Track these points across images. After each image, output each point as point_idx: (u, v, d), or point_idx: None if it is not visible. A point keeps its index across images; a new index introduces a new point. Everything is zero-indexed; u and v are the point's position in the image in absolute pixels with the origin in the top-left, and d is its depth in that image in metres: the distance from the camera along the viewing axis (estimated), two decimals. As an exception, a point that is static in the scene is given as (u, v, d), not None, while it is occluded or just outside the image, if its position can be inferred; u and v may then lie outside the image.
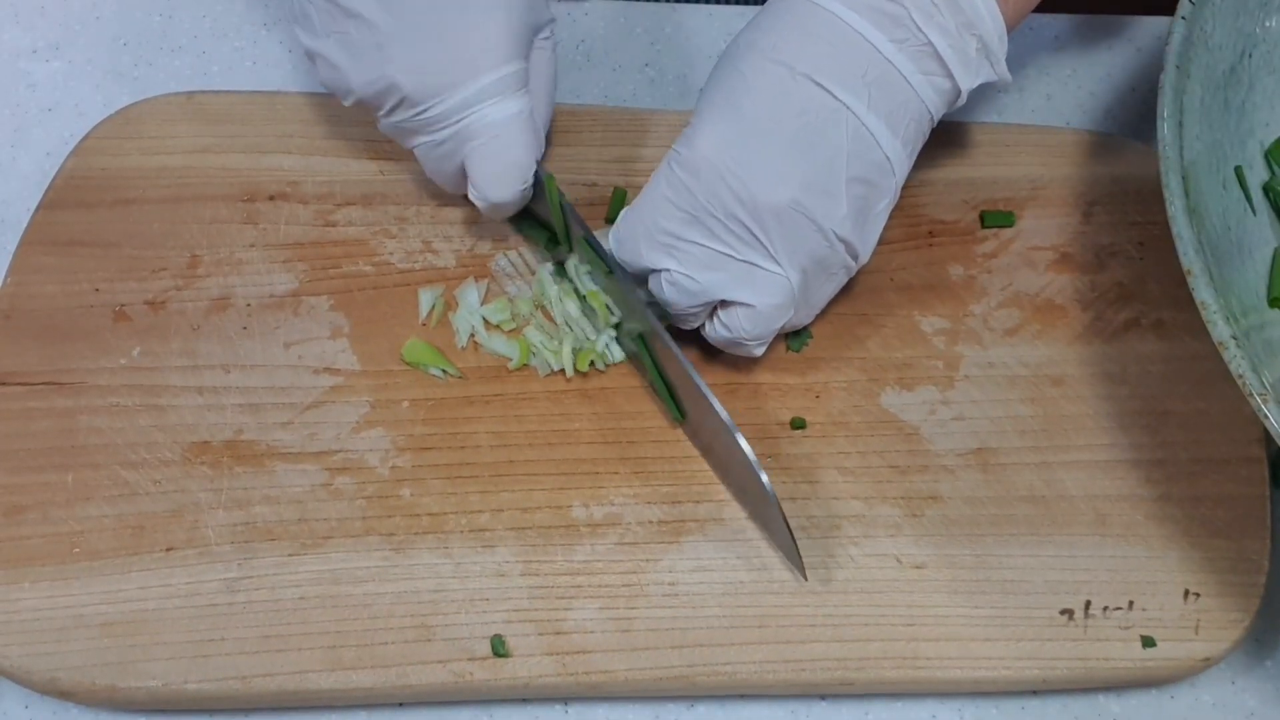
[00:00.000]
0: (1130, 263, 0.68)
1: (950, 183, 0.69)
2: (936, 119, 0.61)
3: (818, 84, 0.58)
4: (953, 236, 0.68)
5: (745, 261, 0.59)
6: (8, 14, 0.76)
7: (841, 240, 0.59)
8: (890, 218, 0.68)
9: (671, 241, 0.59)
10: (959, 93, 0.60)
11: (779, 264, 0.59)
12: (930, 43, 0.58)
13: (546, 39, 0.65)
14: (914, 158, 0.62)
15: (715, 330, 0.61)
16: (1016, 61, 0.77)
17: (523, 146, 0.62)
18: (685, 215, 0.59)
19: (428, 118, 0.61)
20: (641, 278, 0.62)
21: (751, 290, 0.59)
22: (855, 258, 0.61)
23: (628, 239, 0.61)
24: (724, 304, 0.60)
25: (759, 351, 0.62)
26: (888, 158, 0.59)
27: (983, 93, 0.76)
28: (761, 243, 0.58)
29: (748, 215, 0.58)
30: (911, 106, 0.59)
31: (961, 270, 0.68)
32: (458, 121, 0.61)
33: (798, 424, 0.64)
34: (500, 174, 0.62)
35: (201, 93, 0.70)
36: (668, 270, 0.60)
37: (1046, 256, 0.68)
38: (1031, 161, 0.70)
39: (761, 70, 0.59)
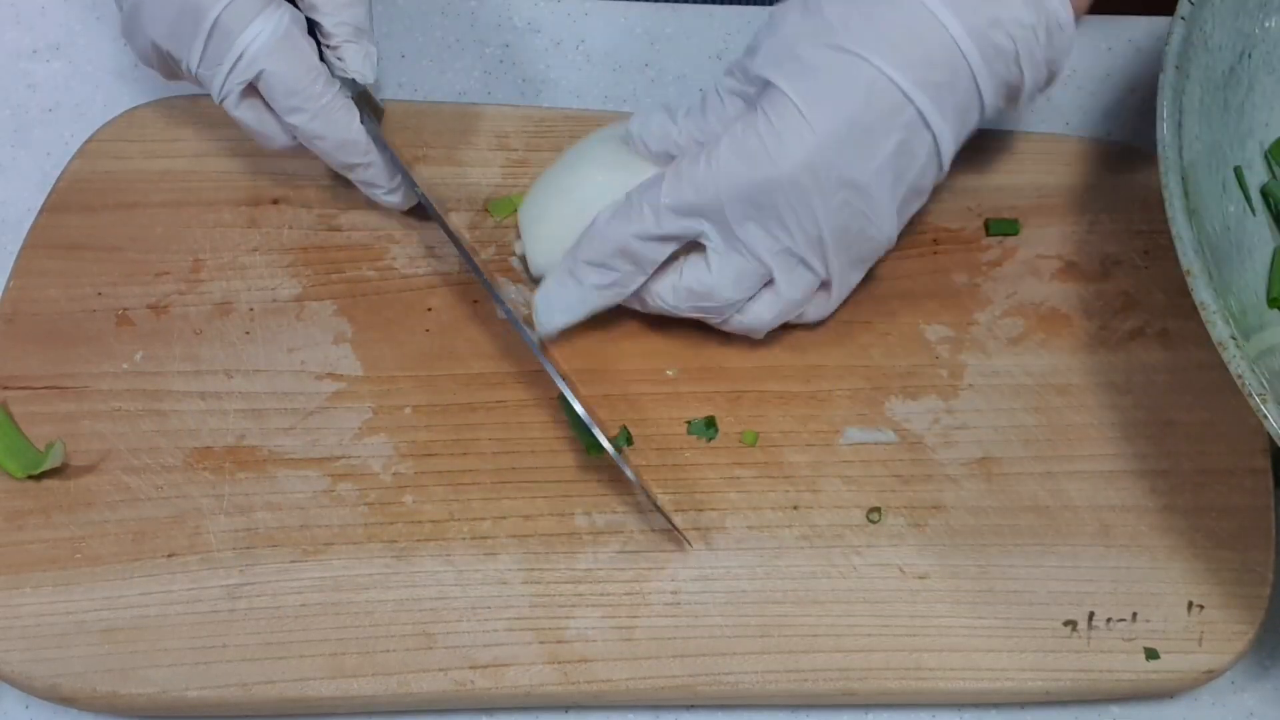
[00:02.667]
0: (1135, 271, 0.68)
1: (955, 190, 0.69)
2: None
3: (912, 103, 0.57)
4: (957, 244, 0.68)
5: (796, 259, 0.60)
6: (8, 14, 0.75)
7: (888, 240, 0.61)
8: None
9: (728, 234, 0.59)
10: (1000, 110, 0.60)
11: (823, 265, 0.60)
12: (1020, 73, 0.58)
13: None
14: None
15: (733, 320, 0.62)
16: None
17: (288, 70, 0.60)
18: (752, 210, 0.58)
19: (203, 72, 0.60)
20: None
21: (787, 284, 0.60)
22: (888, 245, 0.62)
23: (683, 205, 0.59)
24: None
25: (763, 334, 0.64)
26: (942, 168, 0.60)
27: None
28: (817, 256, 0.59)
29: (812, 238, 0.59)
30: (972, 125, 0.60)
31: (966, 278, 0.67)
32: (234, 64, 0.60)
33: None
34: (285, 97, 0.61)
35: (205, 96, 0.70)
36: (713, 252, 0.60)
37: (1051, 265, 0.68)
38: (1037, 169, 0.70)
39: (846, 68, 0.56)
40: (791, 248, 0.59)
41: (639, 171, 0.62)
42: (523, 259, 0.66)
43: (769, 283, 0.61)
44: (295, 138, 0.63)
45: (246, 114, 0.62)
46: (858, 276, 0.63)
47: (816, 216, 0.58)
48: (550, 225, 0.63)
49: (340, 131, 0.62)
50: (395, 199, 0.65)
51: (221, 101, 0.62)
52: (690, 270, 0.60)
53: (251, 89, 0.61)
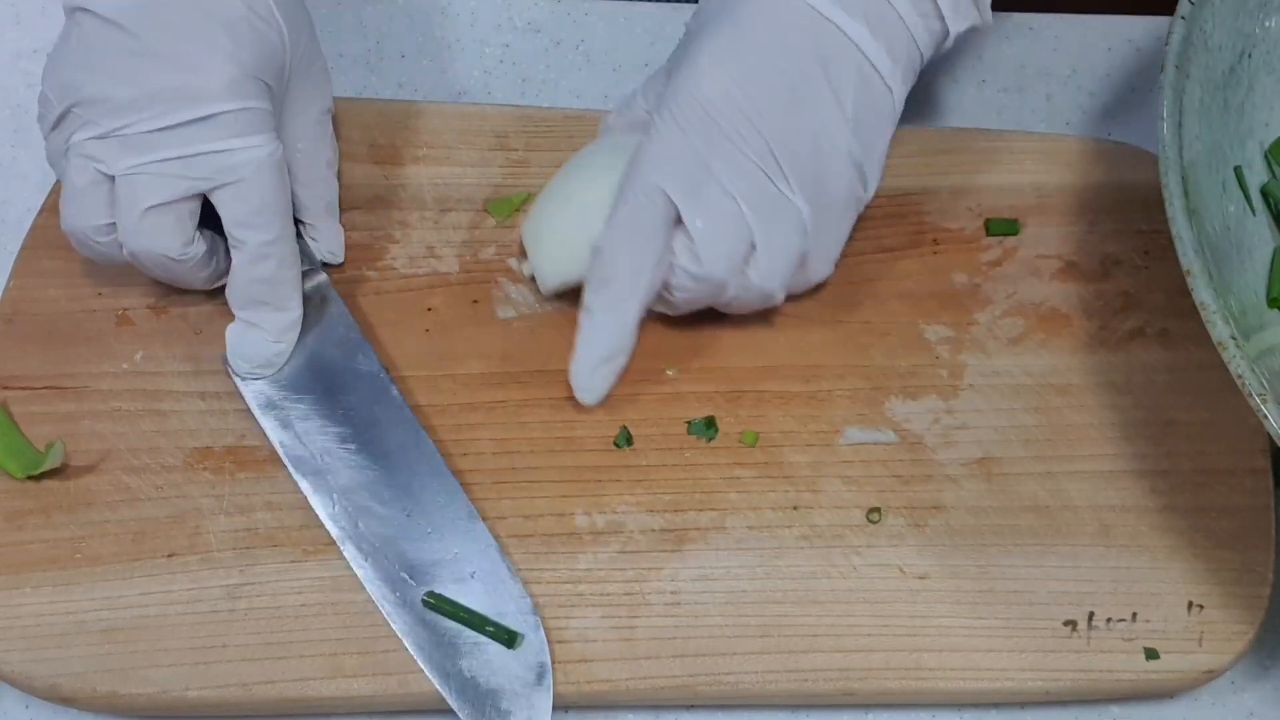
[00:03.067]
0: (1135, 271, 0.68)
1: (955, 190, 0.69)
2: (924, 61, 0.62)
3: (821, 14, 0.58)
4: (957, 244, 0.68)
5: (773, 192, 0.59)
6: (8, 14, 0.75)
7: (855, 165, 0.61)
8: (894, 225, 0.68)
9: (693, 189, 0.59)
10: (946, 35, 0.62)
11: (795, 195, 0.59)
12: None
13: (321, 114, 0.65)
14: (906, 92, 0.62)
15: (736, 288, 0.61)
16: (1016, 61, 0.77)
17: (269, 188, 0.59)
18: (699, 163, 0.59)
19: (143, 138, 0.57)
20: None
21: (772, 227, 0.60)
22: (865, 187, 0.62)
23: (642, 189, 0.59)
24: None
25: (780, 298, 0.62)
26: (889, 88, 0.61)
27: (981, 92, 0.76)
28: (783, 176, 0.59)
29: (766, 151, 0.58)
30: (904, 41, 0.60)
31: (966, 278, 0.67)
32: (193, 153, 0.58)
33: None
34: (246, 218, 0.59)
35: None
36: (695, 225, 0.59)
37: (1051, 265, 0.68)
38: (1037, 169, 0.70)
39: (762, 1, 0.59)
40: (754, 161, 0.59)
41: None
42: (532, 279, 0.66)
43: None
44: (212, 257, 0.62)
45: (160, 219, 0.58)
46: (844, 223, 0.63)
47: (759, 131, 0.58)
48: (554, 234, 0.63)
49: (288, 269, 0.62)
50: (277, 346, 0.63)
51: (141, 176, 0.58)
52: (679, 248, 0.60)
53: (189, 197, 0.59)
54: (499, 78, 0.75)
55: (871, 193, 0.63)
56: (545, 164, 0.69)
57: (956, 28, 0.62)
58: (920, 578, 0.61)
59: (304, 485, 0.61)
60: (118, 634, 0.59)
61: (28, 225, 0.67)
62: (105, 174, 0.58)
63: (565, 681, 0.59)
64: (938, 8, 0.61)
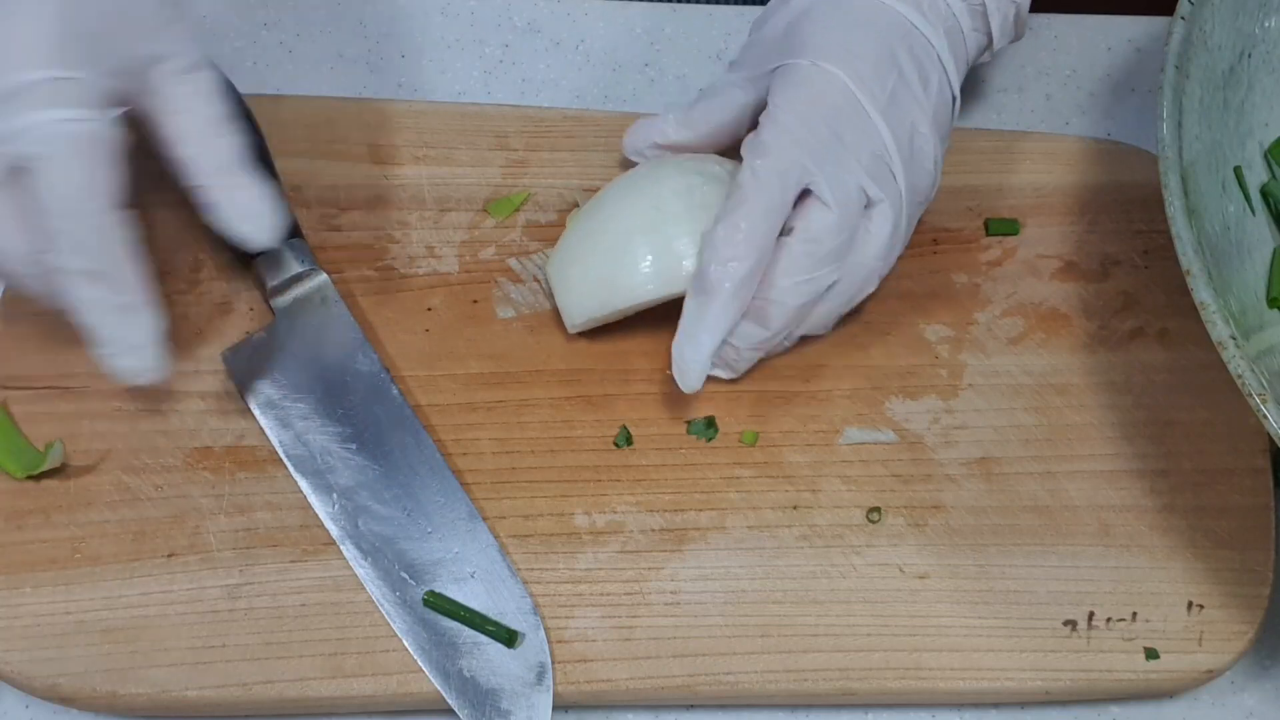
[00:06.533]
0: (1135, 271, 0.68)
1: (954, 190, 0.69)
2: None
3: (907, 18, 0.60)
4: (957, 244, 0.68)
5: (888, 177, 0.60)
6: (9, 14, 0.75)
7: (935, 163, 0.62)
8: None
9: (828, 163, 0.58)
10: (985, 49, 0.65)
11: (900, 182, 0.60)
12: (983, 3, 0.63)
13: (186, 73, 0.58)
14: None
15: (850, 263, 0.61)
16: (1016, 61, 0.77)
17: (79, 171, 0.53)
18: (834, 141, 0.59)
19: None
20: None
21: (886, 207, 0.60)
22: (932, 188, 0.63)
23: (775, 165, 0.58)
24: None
25: (873, 286, 0.62)
26: (955, 95, 0.63)
27: (981, 92, 0.76)
28: (893, 163, 0.60)
29: (880, 141, 0.59)
30: (962, 51, 0.63)
31: (965, 278, 0.67)
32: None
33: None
34: (58, 203, 0.53)
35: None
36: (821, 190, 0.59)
37: (1051, 265, 0.68)
38: (1036, 169, 0.70)
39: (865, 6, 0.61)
40: (879, 152, 0.59)
41: (663, 198, 0.62)
42: (557, 312, 0.65)
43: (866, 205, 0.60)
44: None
45: None
46: (913, 219, 0.63)
47: (875, 119, 0.59)
48: (586, 272, 0.62)
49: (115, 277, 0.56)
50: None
51: None
52: (804, 223, 0.59)
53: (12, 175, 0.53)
54: (499, 78, 0.75)
55: (933, 195, 0.64)
56: (545, 164, 0.69)
57: (1000, 43, 0.64)
58: (920, 577, 0.61)
59: (304, 485, 0.61)
60: (117, 634, 0.59)
61: (28, 225, 0.67)
62: None
63: (565, 681, 0.59)
64: (988, 24, 0.63)
